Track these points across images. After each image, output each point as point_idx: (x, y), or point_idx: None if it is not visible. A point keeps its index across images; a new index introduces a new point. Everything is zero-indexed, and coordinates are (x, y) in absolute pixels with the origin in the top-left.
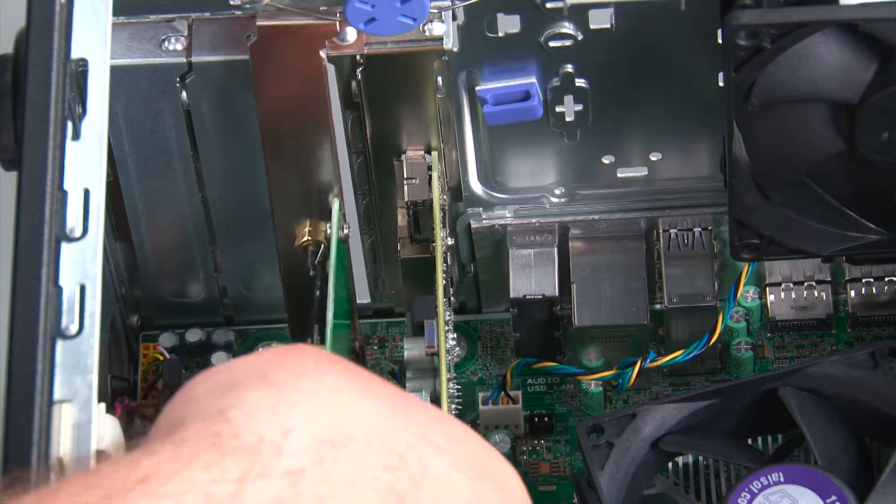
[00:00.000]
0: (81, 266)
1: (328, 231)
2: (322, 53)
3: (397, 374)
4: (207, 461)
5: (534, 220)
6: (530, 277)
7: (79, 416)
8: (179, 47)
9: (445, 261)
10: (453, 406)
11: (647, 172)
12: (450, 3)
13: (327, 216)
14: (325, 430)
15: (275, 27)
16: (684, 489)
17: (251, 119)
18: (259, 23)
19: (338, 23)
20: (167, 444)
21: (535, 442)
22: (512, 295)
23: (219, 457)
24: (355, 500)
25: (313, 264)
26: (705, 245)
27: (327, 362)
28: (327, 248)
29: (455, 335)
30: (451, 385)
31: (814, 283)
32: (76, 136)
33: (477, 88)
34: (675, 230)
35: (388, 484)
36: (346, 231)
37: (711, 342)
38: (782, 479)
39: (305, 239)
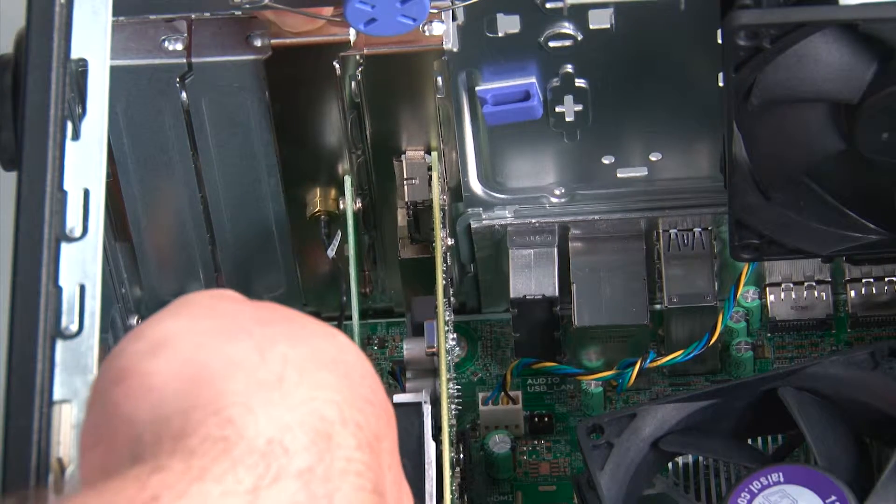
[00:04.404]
0: (81, 266)
1: (342, 205)
2: (335, 64)
3: (397, 374)
4: (219, 472)
5: (534, 220)
6: (530, 277)
7: (79, 416)
8: (179, 47)
9: (445, 261)
10: (453, 406)
11: (647, 172)
12: (450, 3)
13: (337, 183)
14: (314, 422)
15: (288, 44)
16: (684, 489)
17: (251, 119)
18: (273, 42)
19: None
20: (175, 457)
21: (535, 442)
22: (512, 295)
23: (230, 465)
24: (351, 486)
25: (326, 236)
26: (705, 245)
27: (258, 319)
28: (342, 228)
29: (455, 335)
30: (451, 385)
31: (814, 283)
32: (76, 136)
33: (477, 88)
34: (675, 230)
35: (361, 461)
36: (359, 205)
37: (711, 342)
38: (782, 479)
39: (317, 209)
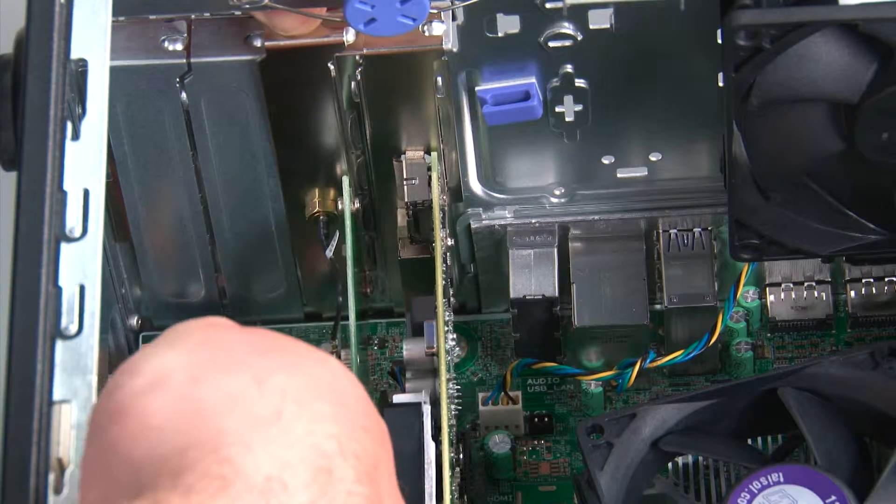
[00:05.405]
0: (81, 266)
1: (340, 206)
2: (330, 65)
3: (397, 374)
4: None
5: (534, 221)
6: (530, 278)
7: (78, 417)
8: (179, 47)
9: (445, 261)
10: (453, 406)
11: (647, 172)
12: (450, 3)
13: (336, 184)
14: (314, 458)
15: (282, 46)
16: (684, 489)
17: (250, 119)
18: (267, 44)
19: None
20: (173, 493)
21: (535, 442)
22: (512, 295)
23: (228, 502)
24: None
25: (325, 236)
26: (705, 245)
27: (253, 349)
28: (340, 230)
29: (455, 335)
30: (451, 385)
31: (814, 283)
32: (76, 136)
33: (477, 88)
34: (675, 230)
35: (361, 494)
36: (357, 205)
37: (711, 342)
38: (782, 479)
39: (316, 210)
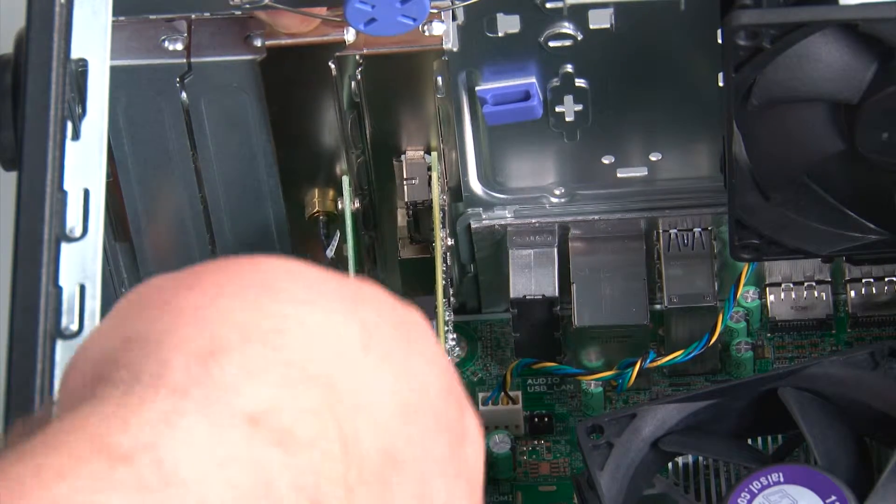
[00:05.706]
0: (81, 266)
1: (340, 205)
2: (331, 65)
3: None
4: (83, 415)
5: (534, 221)
6: (530, 278)
7: None
8: (179, 47)
9: (445, 261)
10: None
11: (647, 172)
12: (450, 3)
13: (335, 183)
14: (198, 345)
15: (283, 45)
16: (684, 489)
17: (250, 119)
18: (268, 43)
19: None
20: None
21: (535, 442)
22: (512, 295)
23: (93, 404)
24: (257, 388)
25: (325, 236)
26: (705, 245)
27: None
28: (340, 230)
29: (455, 335)
30: None
31: (814, 283)
32: (76, 136)
33: (477, 88)
34: (675, 230)
35: (268, 358)
36: (357, 205)
37: (711, 342)
38: (782, 479)
39: (316, 210)
